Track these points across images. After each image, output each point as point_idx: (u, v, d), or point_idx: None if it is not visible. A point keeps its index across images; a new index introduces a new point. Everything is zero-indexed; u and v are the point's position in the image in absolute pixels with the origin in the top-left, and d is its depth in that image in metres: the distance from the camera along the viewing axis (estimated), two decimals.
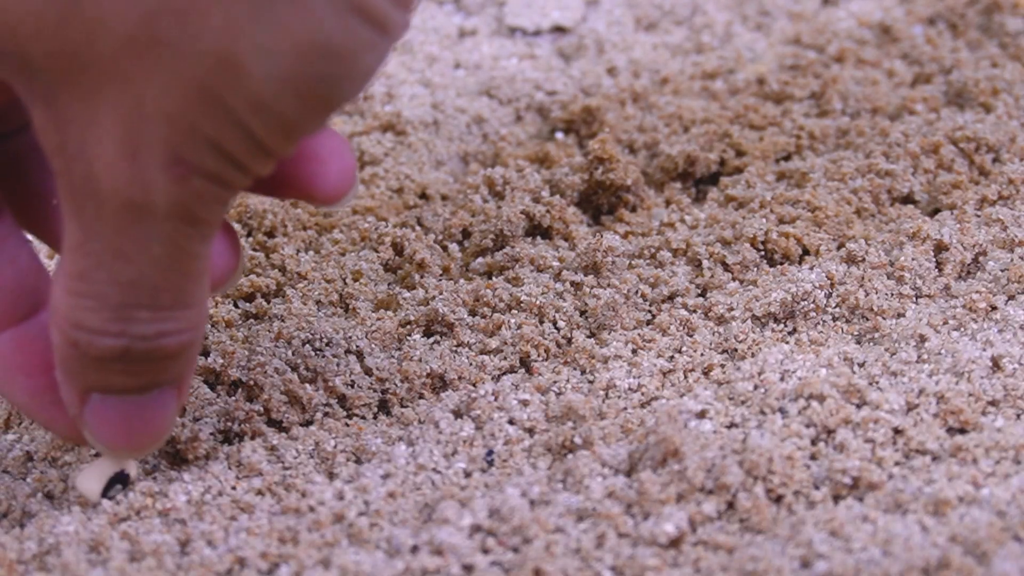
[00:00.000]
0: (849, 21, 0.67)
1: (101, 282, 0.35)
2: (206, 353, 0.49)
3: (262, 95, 0.33)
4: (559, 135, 0.61)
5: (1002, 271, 0.49)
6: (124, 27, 0.32)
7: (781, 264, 0.51)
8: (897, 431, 0.43)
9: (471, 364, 0.47)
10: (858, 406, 0.43)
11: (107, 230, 0.34)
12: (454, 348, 0.48)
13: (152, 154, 0.33)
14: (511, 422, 0.45)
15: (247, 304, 0.50)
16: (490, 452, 0.44)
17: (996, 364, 0.45)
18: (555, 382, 0.46)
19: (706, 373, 0.47)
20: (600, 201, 0.56)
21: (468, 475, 0.43)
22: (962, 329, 0.47)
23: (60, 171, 0.34)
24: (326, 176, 0.38)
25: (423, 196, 0.57)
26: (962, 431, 0.43)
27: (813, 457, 0.42)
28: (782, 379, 0.45)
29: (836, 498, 0.41)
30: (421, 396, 0.47)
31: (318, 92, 0.33)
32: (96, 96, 0.33)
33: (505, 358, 0.47)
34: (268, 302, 0.51)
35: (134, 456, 0.41)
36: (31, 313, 0.40)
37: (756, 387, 0.45)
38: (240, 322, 0.50)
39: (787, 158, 0.59)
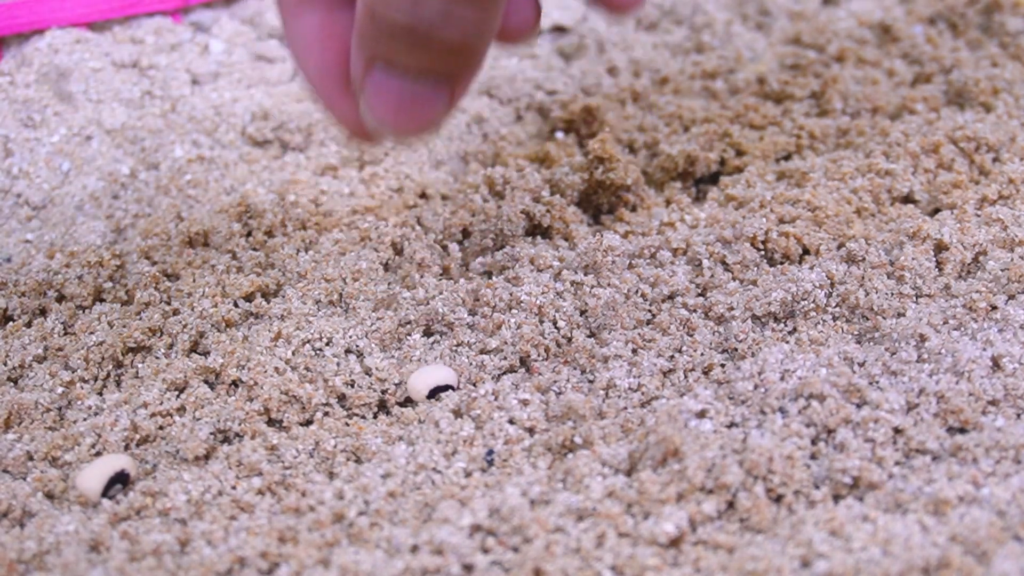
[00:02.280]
0: (849, 21, 0.68)
1: None
2: (206, 353, 0.49)
3: None
4: (559, 135, 0.61)
5: (1002, 271, 0.49)
6: None
7: (781, 264, 0.51)
8: (897, 431, 0.43)
9: (471, 364, 0.47)
10: (858, 406, 0.43)
11: None
12: (454, 348, 0.48)
13: None
14: (511, 422, 0.45)
15: (247, 304, 0.50)
16: (490, 452, 0.44)
17: (996, 364, 0.45)
18: (555, 382, 0.46)
19: (706, 373, 0.47)
20: (600, 201, 0.56)
21: (468, 475, 0.43)
22: (962, 329, 0.47)
23: None
24: None
25: (423, 196, 0.57)
26: (962, 431, 0.43)
27: (813, 457, 0.42)
28: (782, 379, 0.45)
29: (836, 498, 0.41)
30: None
31: None
32: None
33: (505, 358, 0.47)
34: (268, 302, 0.51)
35: (399, 139, 0.43)
36: (345, 4, 0.43)
37: (756, 387, 0.44)
38: (240, 322, 0.50)
39: (787, 158, 0.59)
